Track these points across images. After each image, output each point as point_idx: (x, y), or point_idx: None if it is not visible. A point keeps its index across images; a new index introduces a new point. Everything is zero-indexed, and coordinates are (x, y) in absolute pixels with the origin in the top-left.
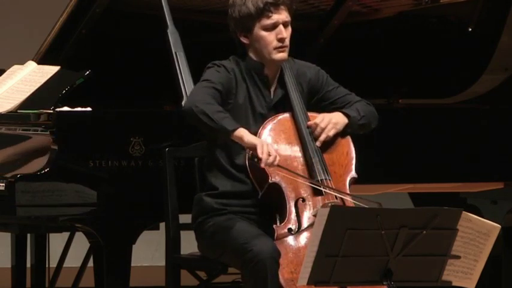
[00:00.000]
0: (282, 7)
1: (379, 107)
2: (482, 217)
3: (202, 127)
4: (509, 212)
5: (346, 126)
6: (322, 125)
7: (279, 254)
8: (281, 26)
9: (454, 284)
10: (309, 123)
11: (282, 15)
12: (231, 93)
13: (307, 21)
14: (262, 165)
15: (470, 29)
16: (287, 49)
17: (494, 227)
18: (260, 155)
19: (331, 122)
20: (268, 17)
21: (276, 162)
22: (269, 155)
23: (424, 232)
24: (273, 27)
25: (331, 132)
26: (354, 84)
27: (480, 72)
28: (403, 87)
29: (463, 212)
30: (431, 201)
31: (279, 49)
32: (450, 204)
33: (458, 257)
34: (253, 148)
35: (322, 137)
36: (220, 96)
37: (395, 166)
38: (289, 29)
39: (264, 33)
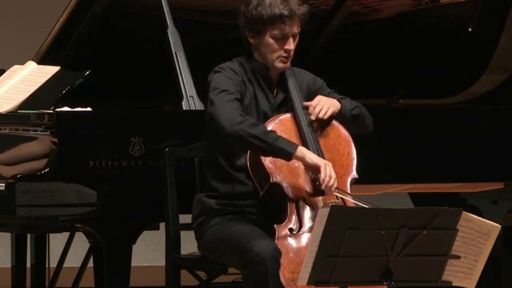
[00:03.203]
0: (296, 20)
1: (379, 107)
2: (482, 217)
3: (252, 149)
4: (509, 212)
5: (339, 114)
6: (319, 105)
7: (279, 254)
8: (290, 38)
9: (454, 284)
10: (305, 103)
11: (294, 28)
12: (241, 96)
13: (307, 21)
14: (323, 187)
15: (470, 29)
16: (290, 59)
17: (494, 227)
18: (323, 178)
19: (327, 102)
20: (281, 28)
21: (335, 185)
22: (331, 178)
23: (424, 232)
24: (282, 37)
25: (330, 111)
26: (354, 84)
27: (480, 72)
28: (403, 87)
29: (463, 212)
30: (431, 201)
31: (282, 59)
32: (450, 204)
33: (458, 257)
34: (316, 169)
35: (316, 111)
36: (241, 105)
37: (395, 166)
38: (296, 39)
39: (272, 41)
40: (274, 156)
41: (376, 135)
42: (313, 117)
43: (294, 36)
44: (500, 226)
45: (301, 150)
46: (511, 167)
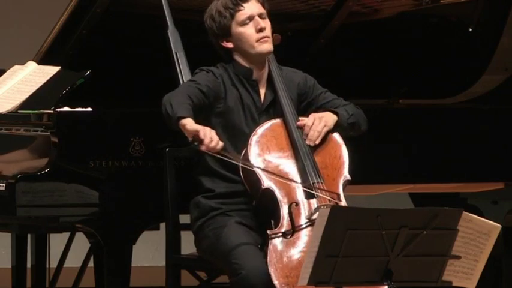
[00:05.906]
0: (252, 1)
1: (379, 107)
2: (483, 217)
3: (165, 119)
4: (509, 212)
5: (336, 125)
6: (314, 125)
7: (269, 277)
8: (257, 18)
9: (454, 284)
10: (298, 123)
11: (254, 7)
12: (219, 98)
13: (307, 21)
14: (204, 148)
15: (470, 29)
16: (270, 40)
17: (494, 227)
18: (202, 137)
19: (321, 121)
20: (241, 11)
21: (218, 147)
22: (211, 140)
23: (425, 232)
24: (249, 21)
25: (324, 130)
26: (354, 84)
27: (480, 72)
28: (403, 87)
29: (464, 212)
30: (431, 201)
31: (261, 40)
32: (450, 204)
33: (458, 257)
34: (196, 134)
35: (315, 137)
36: (203, 97)
37: (395, 166)
38: (267, 21)
39: (241, 28)
40: (172, 123)
41: (376, 135)
42: (311, 144)
43: (261, 17)
44: (500, 226)
45: (187, 120)
46: (511, 167)
